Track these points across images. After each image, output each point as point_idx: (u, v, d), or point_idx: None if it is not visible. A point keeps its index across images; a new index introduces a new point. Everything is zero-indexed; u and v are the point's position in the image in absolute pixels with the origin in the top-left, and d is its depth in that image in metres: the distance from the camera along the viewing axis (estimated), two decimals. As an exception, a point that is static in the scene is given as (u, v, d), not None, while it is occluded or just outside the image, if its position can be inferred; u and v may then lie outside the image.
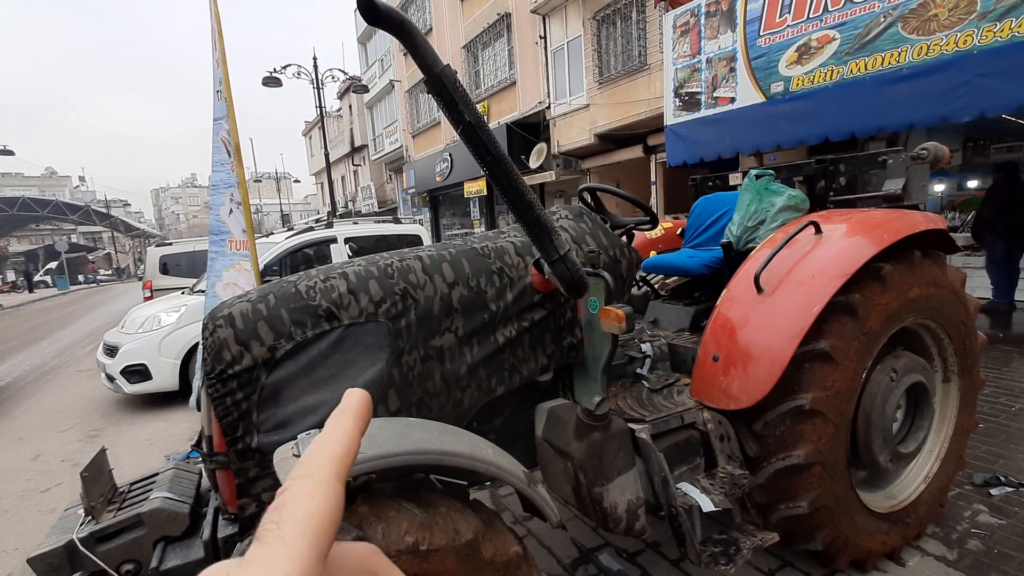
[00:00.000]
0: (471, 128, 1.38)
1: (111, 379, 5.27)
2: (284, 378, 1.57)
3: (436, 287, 1.77)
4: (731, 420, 1.99)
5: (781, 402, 1.88)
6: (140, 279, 24.79)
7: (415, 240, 7.21)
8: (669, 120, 7.62)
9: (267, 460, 1.55)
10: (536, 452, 1.97)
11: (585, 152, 12.05)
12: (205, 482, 1.91)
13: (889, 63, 5.20)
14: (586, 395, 2.04)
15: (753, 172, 2.38)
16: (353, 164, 27.94)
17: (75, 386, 6.73)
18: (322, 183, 33.49)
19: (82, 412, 5.53)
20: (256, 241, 7.04)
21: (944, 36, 4.80)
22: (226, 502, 1.60)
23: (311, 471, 0.29)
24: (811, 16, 5.79)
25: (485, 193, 15.52)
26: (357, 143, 26.14)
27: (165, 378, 5.26)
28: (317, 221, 8.01)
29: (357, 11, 1.27)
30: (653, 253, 3.06)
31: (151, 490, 1.72)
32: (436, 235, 19.78)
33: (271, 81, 14.58)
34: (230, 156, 3.33)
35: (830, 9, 5.63)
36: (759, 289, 1.93)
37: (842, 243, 1.95)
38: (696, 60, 7.12)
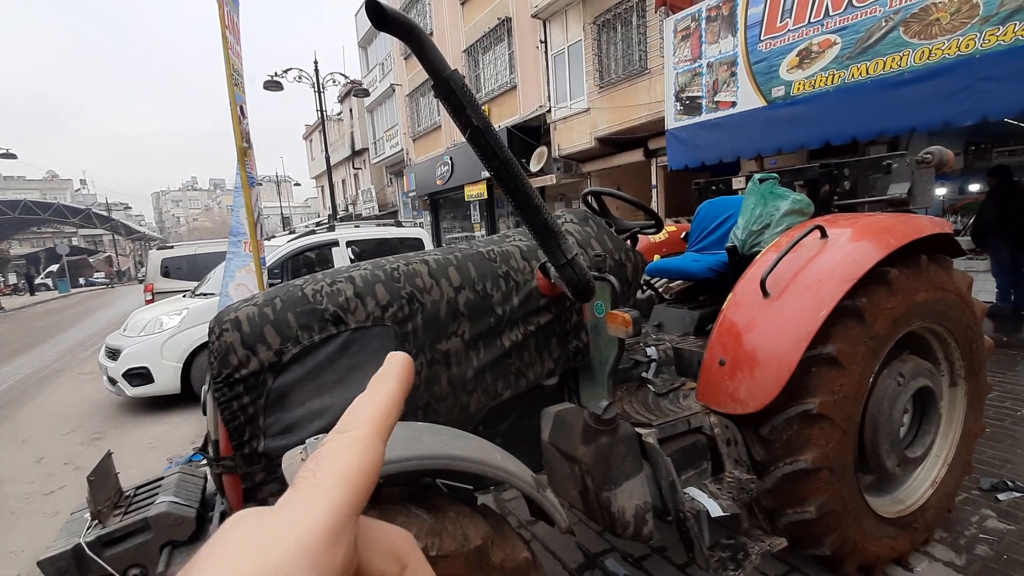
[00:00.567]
0: (478, 132, 1.38)
1: (113, 382, 5.27)
2: (291, 382, 1.57)
3: (442, 291, 1.76)
4: (738, 424, 1.98)
5: (788, 406, 1.87)
6: (141, 282, 24.78)
7: (417, 243, 7.21)
8: (670, 124, 7.63)
9: (274, 464, 1.54)
10: (542, 456, 1.96)
11: (586, 156, 12.07)
12: (211, 486, 1.90)
13: (891, 67, 5.21)
14: (592, 399, 2.04)
15: (757, 176, 2.38)
16: (354, 167, 27.99)
17: (77, 389, 6.72)
18: (322, 186, 33.55)
19: (84, 415, 5.52)
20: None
21: (946, 40, 4.81)
22: (232, 507, 1.59)
23: (352, 427, 0.29)
24: (812, 21, 5.81)
25: (486, 196, 15.54)
26: (358, 146, 26.19)
27: (167, 381, 5.25)
28: (318, 224, 8.01)
29: (365, 15, 1.26)
30: (657, 257, 3.06)
31: (157, 494, 1.71)
32: (436, 238, 19.80)
33: (272, 85, 14.60)
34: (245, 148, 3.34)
35: (831, 14, 5.65)
36: (765, 293, 1.93)
37: (849, 247, 1.95)
38: (697, 64, 7.13)
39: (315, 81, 15.53)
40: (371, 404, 0.31)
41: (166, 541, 1.58)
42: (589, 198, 2.44)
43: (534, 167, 13.01)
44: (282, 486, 1.54)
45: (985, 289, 6.19)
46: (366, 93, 17.77)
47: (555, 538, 2.54)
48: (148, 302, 8.06)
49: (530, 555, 1.43)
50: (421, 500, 1.33)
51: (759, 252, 2.21)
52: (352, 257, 6.36)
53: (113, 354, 5.33)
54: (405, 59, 19.29)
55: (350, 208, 27.85)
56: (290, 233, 7.15)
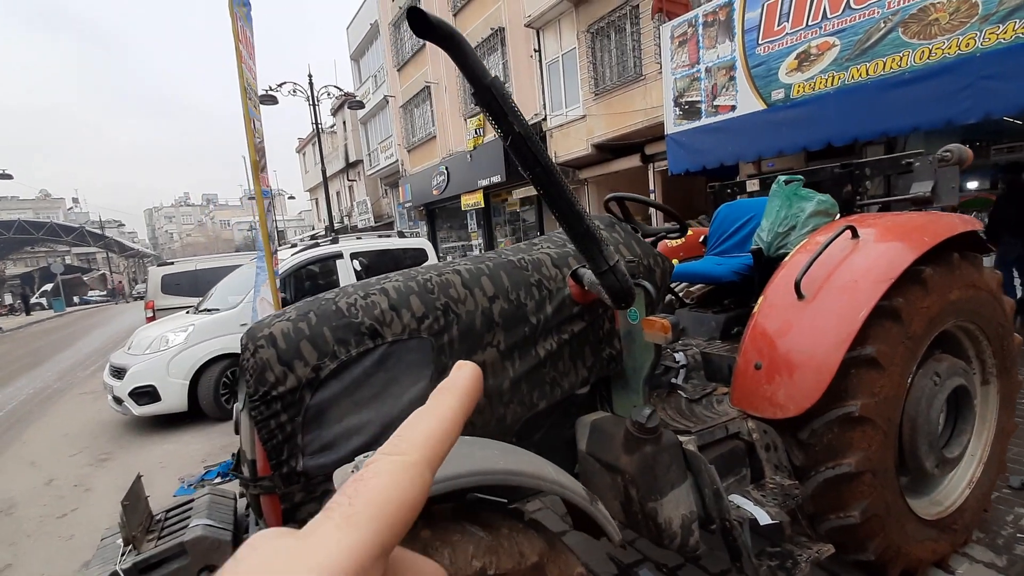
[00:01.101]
0: (520, 139, 1.36)
1: (119, 401, 5.19)
2: (328, 398, 1.53)
3: (477, 301, 1.74)
4: (775, 429, 1.95)
5: (828, 409, 1.84)
6: (139, 298, 24.56)
7: (420, 254, 7.18)
8: (670, 129, 7.66)
9: (313, 484, 1.50)
10: (576, 467, 1.93)
11: (582, 162, 12.11)
12: (241, 507, 1.86)
13: (891, 68, 5.25)
14: (626, 407, 2.01)
15: (782, 178, 2.37)
16: (348, 179, 27.99)
17: (80, 409, 6.62)
18: (316, 199, 33.49)
19: (90, 435, 5.43)
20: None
21: (946, 40, 4.86)
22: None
23: (402, 450, 0.27)
24: (810, 23, 5.86)
25: (482, 206, 15.55)
26: (352, 158, 26.20)
27: (174, 399, 5.18)
28: (312, 237, 7.97)
29: (407, 21, 1.25)
30: (675, 262, 3.04)
31: (189, 517, 1.66)
32: (434, 248, 19.75)
33: (267, 99, 14.59)
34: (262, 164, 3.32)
35: (829, 16, 5.70)
36: (800, 295, 1.91)
37: (883, 247, 1.93)
38: (695, 69, 7.18)
39: (310, 94, 15.55)
40: (427, 423, 0.28)
41: (203, 566, 1.53)
42: (612, 204, 2.42)
43: (532, 175, 13.03)
44: (321, 506, 1.50)
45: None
46: (360, 105, 17.81)
47: (586, 550, 2.49)
48: (149, 319, 7.98)
49: (584, 570, 1.39)
50: (473, 516, 1.29)
51: (785, 254, 2.20)
52: (357, 269, 6.31)
53: (118, 373, 5.26)
54: (398, 71, 19.35)
55: (345, 220, 27.81)
56: (291, 247, 7.10)
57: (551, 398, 1.86)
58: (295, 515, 1.49)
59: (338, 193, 29.94)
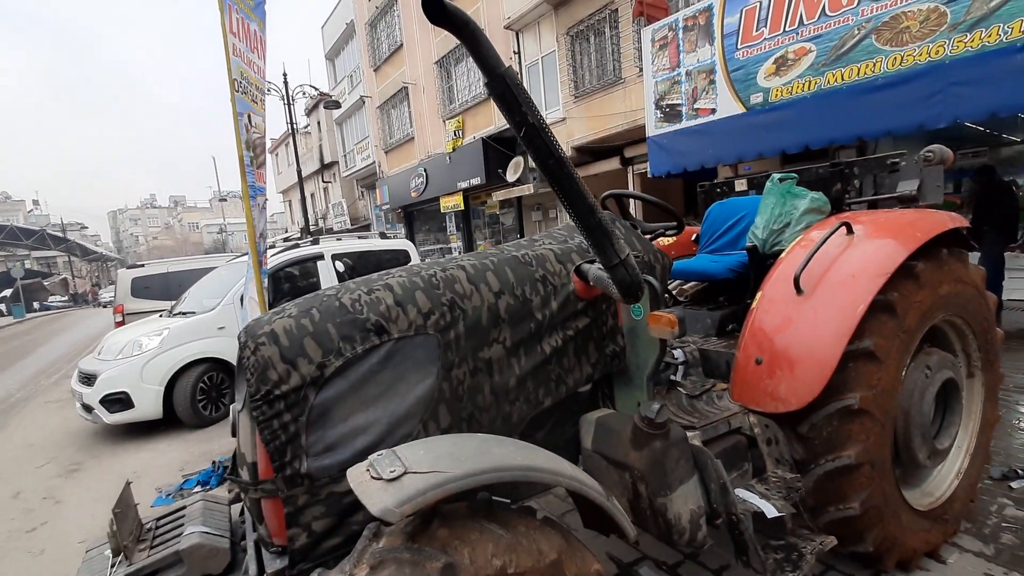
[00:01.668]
0: (534, 130, 1.34)
1: (88, 409, 4.98)
2: (334, 397, 1.49)
3: (483, 297, 1.71)
4: (776, 423, 1.97)
5: (828, 402, 1.87)
6: (102, 306, 23.52)
7: (403, 255, 7.09)
8: (651, 131, 7.74)
9: (317, 486, 1.45)
10: (582, 465, 1.91)
11: (564, 165, 12.14)
12: (235, 513, 1.78)
13: (865, 73, 5.41)
14: (628, 404, 2.00)
15: (776, 176, 2.41)
16: (323, 181, 27.55)
17: (46, 418, 6.33)
18: (290, 201, 32.87)
19: (57, 445, 5.19)
20: (237, 260, 6.81)
21: (917, 47, 5.02)
22: (272, 534, 1.49)
23: None
24: (787, 29, 6.00)
25: (462, 208, 15.48)
26: (327, 160, 25.81)
27: (148, 406, 4.99)
28: (286, 239, 7.79)
29: (423, 11, 1.21)
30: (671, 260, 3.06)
31: (183, 525, 1.59)
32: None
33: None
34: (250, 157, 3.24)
35: (805, 22, 5.84)
36: (799, 290, 1.93)
37: (878, 243, 1.98)
38: (676, 73, 7.28)
39: (285, 94, 15.27)
40: None
41: (201, 575, 1.46)
42: (609, 201, 2.42)
43: (511, 177, 13.03)
44: (326, 509, 1.45)
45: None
46: (337, 105, 17.58)
47: (584, 549, 2.48)
48: (119, 324, 7.70)
49: (600, 567, 1.37)
50: (489, 515, 1.26)
51: (780, 251, 2.23)
52: (339, 271, 6.20)
53: (88, 379, 5.05)
54: (375, 71, 19.17)
55: (320, 222, 27.35)
56: (270, 247, 6.92)
57: (556, 396, 1.84)
58: (298, 519, 1.44)
59: (312, 195, 29.43)
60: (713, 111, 6.95)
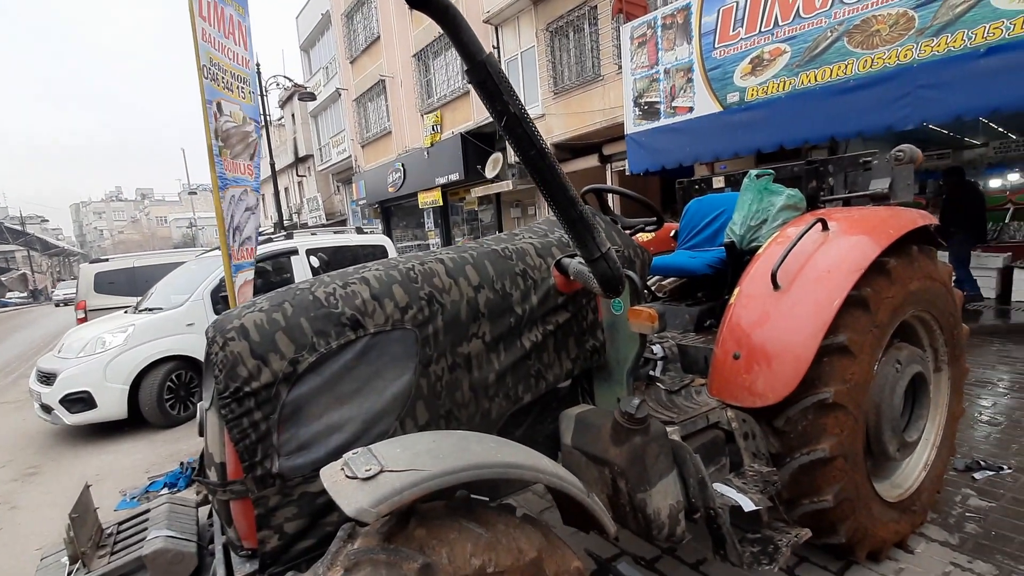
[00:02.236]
0: (515, 120, 1.31)
1: (48, 410, 4.77)
2: (307, 394, 1.44)
3: (462, 291, 1.68)
4: (753, 418, 1.99)
5: (803, 397, 1.89)
6: (60, 304, 22.37)
7: (380, 251, 6.99)
8: (630, 129, 7.79)
9: (289, 486, 1.40)
10: (561, 462, 1.89)
11: (542, 161, 12.13)
12: (203, 516, 1.72)
13: (837, 75, 5.53)
14: (608, 400, 2.00)
15: (754, 172, 2.42)
16: (298, 175, 27.04)
17: (2, 419, 6.06)
18: (264, 194, 32.15)
19: (13, 448, 4.97)
20: (207, 255, 6.61)
21: (886, 50, 5.15)
22: (242, 536, 1.43)
23: None
24: (763, 30, 6.08)
25: (440, 204, 15.35)
26: (301, 153, 25.32)
27: (112, 406, 4.81)
28: (260, 234, 7.61)
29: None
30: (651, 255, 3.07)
31: (147, 529, 1.52)
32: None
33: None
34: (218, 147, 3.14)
35: (780, 24, 5.94)
36: (776, 286, 1.95)
37: (852, 239, 2.00)
38: (654, 71, 7.33)
39: (258, 84, 14.89)
40: None
41: (165, 581, 1.40)
42: (589, 196, 2.41)
43: (489, 173, 12.98)
44: (299, 510, 1.40)
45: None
46: (312, 97, 17.25)
47: (563, 545, 2.47)
48: (80, 320, 7.41)
49: (581, 564, 1.35)
50: (468, 513, 1.23)
51: (758, 247, 2.25)
52: (314, 266, 6.07)
53: (47, 378, 4.84)
54: (351, 63, 18.86)
55: (295, 217, 26.83)
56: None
57: (536, 391, 1.82)
58: (269, 521, 1.38)
59: (286, 189, 28.86)
60: (691, 109, 7.02)
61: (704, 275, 2.56)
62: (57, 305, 28.11)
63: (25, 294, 37.26)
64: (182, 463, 3.86)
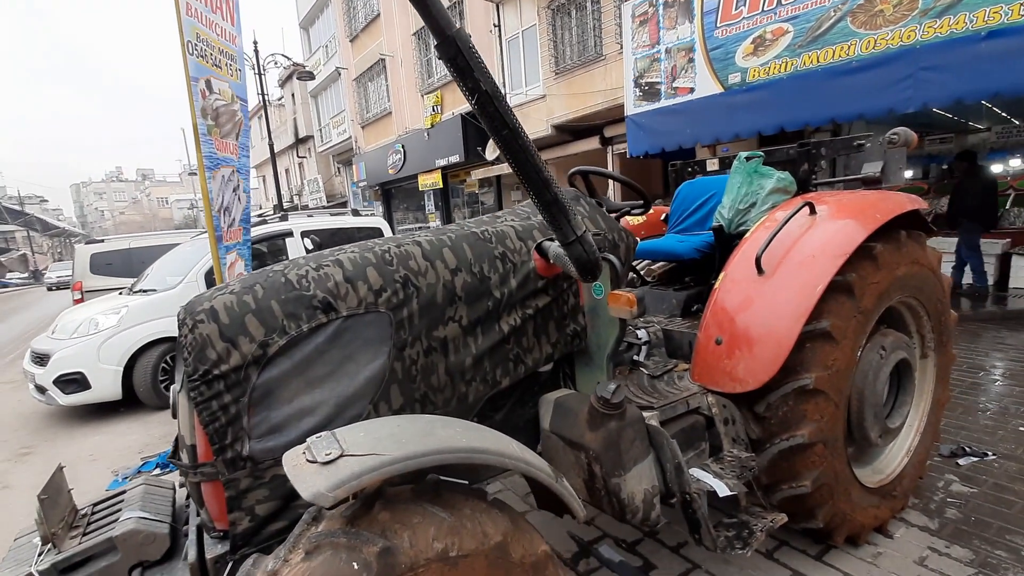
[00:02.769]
0: (487, 97, 1.27)
1: (42, 390, 4.79)
2: (277, 377, 1.43)
3: (438, 274, 1.65)
4: (733, 403, 1.98)
5: (784, 382, 1.88)
6: (53, 288, 21.87)
7: (376, 233, 6.94)
8: (630, 110, 7.68)
9: (260, 469, 1.40)
10: (540, 445, 1.90)
11: (542, 144, 12.02)
12: (180, 497, 1.72)
13: (840, 56, 5.41)
14: (589, 384, 1.99)
15: (743, 155, 2.38)
16: (298, 156, 26.83)
17: (-3, 399, 6.11)
18: (264, 176, 31.97)
19: (8, 428, 5.00)
20: (201, 237, 6.59)
21: (890, 31, 5.03)
22: (213, 518, 1.44)
23: None
24: (765, 9, 5.95)
25: (441, 186, 15.25)
26: (302, 134, 25.10)
27: (106, 387, 4.83)
28: (260, 216, 7.60)
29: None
30: (637, 240, 3.03)
31: (120, 510, 1.52)
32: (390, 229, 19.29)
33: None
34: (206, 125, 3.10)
35: (783, 3, 5.80)
36: (760, 271, 1.92)
37: (838, 224, 1.97)
38: (656, 50, 7.19)
39: (256, 63, 14.71)
40: None
41: (136, 562, 1.40)
42: (577, 178, 2.37)
43: (490, 155, 12.84)
44: (270, 492, 1.40)
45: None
46: (311, 76, 17.02)
47: (545, 528, 2.48)
48: (77, 301, 7.41)
49: (548, 548, 1.35)
50: (434, 497, 1.23)
51: (746, 231, 2.21)
52: (309, 248, 6.05)
53: (41, 359, 4.85)
54: (351, 41, 18.58)
55: (295, 199, 26.71)
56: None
57: (514, 376, 1.81)
58: (240, 503, 1.39)
59: (287, 171, 28.69)
60: (692, 90, 6.90)
61: (692, 259, 2.53)
62: (49, 289, 25.07)
63: (26, 275, 37.35)
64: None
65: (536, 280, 1.81)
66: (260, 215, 8.34)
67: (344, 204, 21.70)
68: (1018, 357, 4.43)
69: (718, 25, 6.38)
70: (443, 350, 1.64)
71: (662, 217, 3.13)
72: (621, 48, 8.25)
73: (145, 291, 5.58)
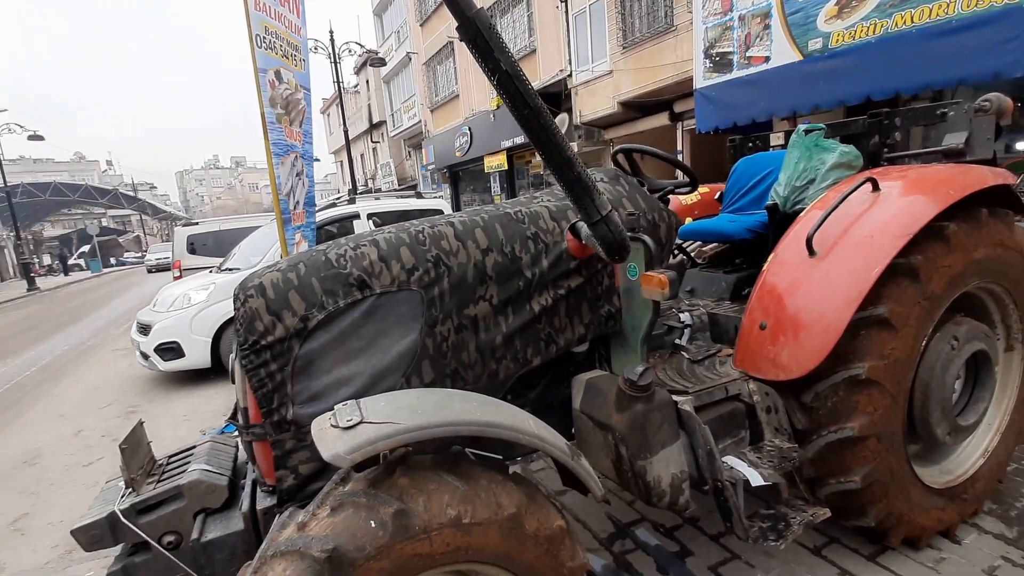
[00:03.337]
0: (507, 78, 1.28)
1: (146, 357, 5.39)
2: (317, 349, 1.54)
3: (469, 253, 1.70)
4: (778, 391, 1.89)
5: (834, 371, 1.77)
6: (153, 270, 23.75)
7: (437, 214, 7.13)
8: (699, 83, 7.32)
9: (303, 432, 1.52)
10: (573, 425, 1.91)
11: (608, 121, 11.73)
12: (242, 455, 1.90)
13: (937, 15, 4.86)
14: (625, 366, 1.97)
15: (802, 127, 2.23)
16: (372, 141, 27.83)
17: (112, 364, 6.93)
18: (341, 161, 33.49)
19: (119, 389, 5.69)
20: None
21: (998, -17, 4.44)
22: (263, 474, 1.58)
23: None
24: (853, -34, 5.43)
25: (506, 167, 15.31)
26: (375, 119, 25.96)
27: (197, 355, 5.35)
28: (337, 199, 8.04)
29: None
30: (689, 220, 2.93)
31: (189, 463, 1.71)
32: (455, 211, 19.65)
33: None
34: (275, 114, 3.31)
35: (873, -43, 5.26)
36: (811, 252, 1.81)
37: (903, 200, 1.81)
38: (728, 18, 6.78)
39: (331, 51, 15.34)
40: None
41: (200, 508, 1.58)
42: (620, 156, 2.32)
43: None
44: (311, 454, 1.52)
45: None
46: (382, 62, 17.50)
47: (585, 508, 2.51)
48: (176, 278, 8.21)
49: (564, 523, 1.38)
50: (452, 468, 1.29)
51: (802, 210, 2.08)
52: (373, 229, 6.33)
53: (144, 329, 5.44)
54: (421, 26, 18.87)
55: (369, 183, 27.82)
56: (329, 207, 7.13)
57: (546, 355, 1.83)
58: (285, 462, 1.52)
59: (362, 155, 29.86)
60: (767, 59, 6.47)
61: (744, 240, 2.41)
62: (149, 271, 24.23)
63: (140, 255, 41.66)
64: (252, 408, 4.25)
65: (569, 261, 1.81)
66: (336, 199, 8.79)
67: (414, 187, 22.33)
68: None
69: (798, -13, 5.90)
70: (473, 328, 1.69)
71: (716, 196, 2.99)
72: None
73: (230, 269, 6.08)
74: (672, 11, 9.42)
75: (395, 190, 23.01)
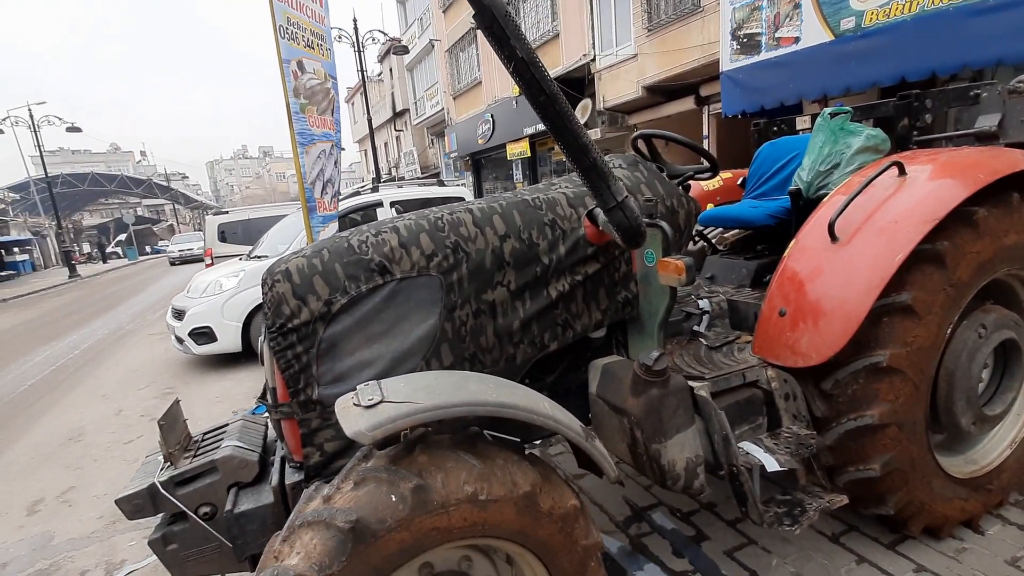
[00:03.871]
0: (523, 65, 1.30)
1: (180, 341, 5.60)
2: (340, 332, 1.59)
3: (487, 240, 1.73)
4: (797, 378, 1.88)
5: (855, 359, 1.76)
6: (182, 262, 24.13)
7: (458, 201, 7.18)
8: (725, 66, 7.14)
9: (328, 411, 1.58)
10: (590, 410, 1.94)
11: (632, 106, 11.56)
12: (271, 433, 1.99)
13: (978, -10, 4.63)
14: (642, 351, 1.98)
15: (827, 111, 2.18)
16: (395, 129, 27.97)
17: (148, 348, 7.22)
18: (366, 150, 33.78)
19: (156, 372, 5.94)
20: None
21: (1047, -46, 4.21)
22: (291, 451, 1.66)
23: None
24: (889, -60, 5.21)
25: (528, 155, 15.24)
26: (399, 107, 26.07)
27: (229, 340, 5.53)
28: (362, 187, 8.17)
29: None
30: (711, 206, 2.90)
31: (223, 439, 1.80)
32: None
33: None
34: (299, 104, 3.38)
35: (911, -69, 5.04)
36: (834, 238, 1.79)
37: (931, 185, 1.77)
38: (756, -2, 6.58)
39: (355, 40, 15.42)
40: None
41: (232, 482, 1.66)
42: (639, 142, 2.31)
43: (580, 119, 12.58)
44: (336, 432, 1.59)
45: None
46: (405, 50, 17.53)
47: (602, 491, 2.55)
48: (208, 266, 8.46)
49: (579, 503, 1.42)
50: (469, 447, 1.33)
51: (826, 195, 2.05)
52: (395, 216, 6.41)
53: (179, 315, 5.65)
54: (444, 12, 18.80)
55: (393, 171, 28.02)
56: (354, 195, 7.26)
57: (563, 340, 1.86)
58: (312, 440, 1.59)
59: (386, 144, 30.05)
60: (796, 40, 6.27)
61: (766, 226, 2.39)
62: (172, 263, 22.51)
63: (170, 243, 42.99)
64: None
65: (586, 247, 1.82)
66: (360, 187, 8.92)
67: (437, 175, 22.43)
68: None
69: (830, -36, 5.69)
70: (491, 313, 1.72)
71: (739, 181, 2.95)
72: (719, -2, 7.63)
73: (259, 257, 6.25)
74: (699, -9, 9.19)
75: (418, 178, 23.16)
